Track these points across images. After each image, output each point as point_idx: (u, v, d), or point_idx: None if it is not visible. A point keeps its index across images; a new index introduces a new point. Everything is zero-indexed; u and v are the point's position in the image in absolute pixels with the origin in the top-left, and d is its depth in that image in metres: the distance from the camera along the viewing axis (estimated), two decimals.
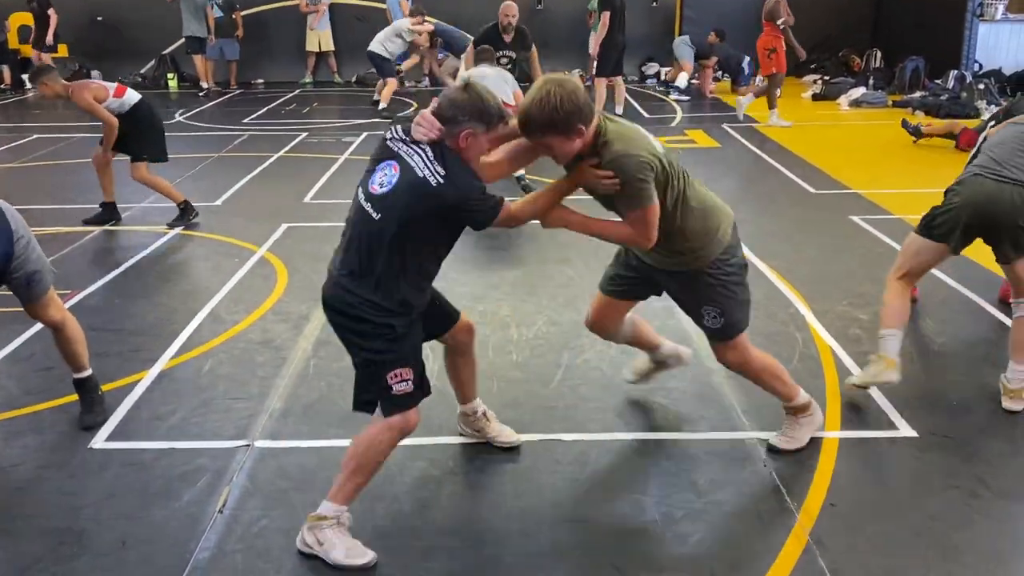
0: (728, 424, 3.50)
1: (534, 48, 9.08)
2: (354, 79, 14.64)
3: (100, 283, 5.19)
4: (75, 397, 3.60)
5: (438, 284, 2.87)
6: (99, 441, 3.41)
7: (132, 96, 6.11)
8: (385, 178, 2.57)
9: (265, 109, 12.10)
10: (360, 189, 2.65)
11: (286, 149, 9.24)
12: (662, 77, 14.17)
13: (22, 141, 9.88)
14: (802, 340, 4.26)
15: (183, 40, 13.76)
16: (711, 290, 3.00)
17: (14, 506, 3.02)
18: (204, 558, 2.71)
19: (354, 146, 9.27)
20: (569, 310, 4.67)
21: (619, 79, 10.77)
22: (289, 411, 3.63)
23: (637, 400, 3.69)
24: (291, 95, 13.49)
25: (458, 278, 5.29)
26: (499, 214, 2.60)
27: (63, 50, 14.38)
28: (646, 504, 2.98)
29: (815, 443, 3.31)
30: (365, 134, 9.89)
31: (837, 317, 4.54)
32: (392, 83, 11.35)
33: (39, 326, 4.26)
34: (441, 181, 2.50)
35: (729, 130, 10.15)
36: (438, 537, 2.82)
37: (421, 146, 2.57)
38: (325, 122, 11.01)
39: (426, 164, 2.53)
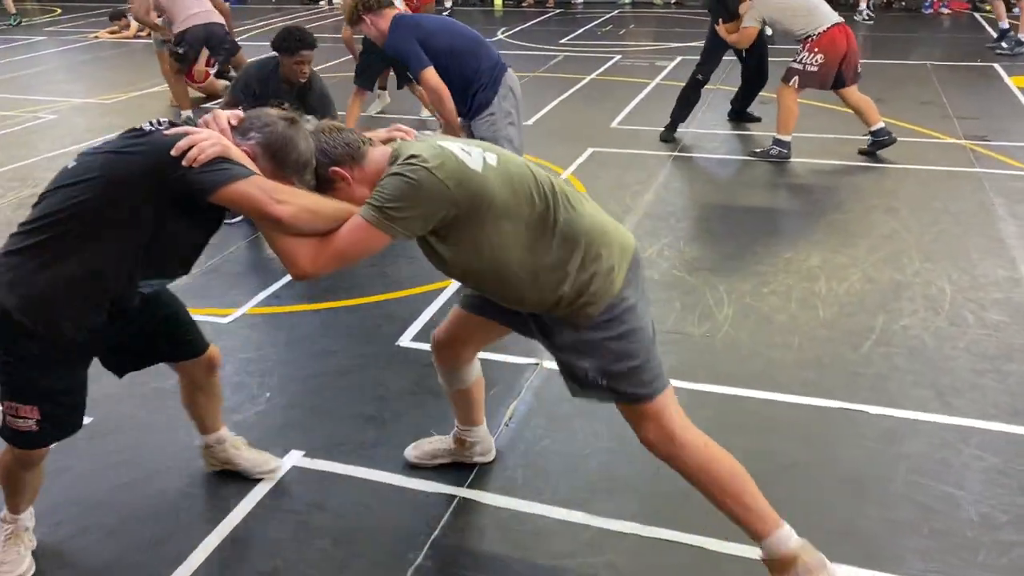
0: None
1: None
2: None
3: None
4: (384, 296, 3.88)
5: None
6: (405, 340, 3.66)
7: None
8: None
9: (582, 30, 12.12)
10: None
11: (598, 72, 9.20)
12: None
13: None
14: None
15: None
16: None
17: (333, 388, 3.35)
18: (488, 468, 2.81)
19: (667, 71, 8.99)
20: (889, 267, 4.19)
21: None
22: None
23: (963, 380, 3.23)
24: (609, 16, 13.37)
25: (763, 225, 4.98)
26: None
27: None
28: (961, 500, 2.61)
29: None
30: (680, 58, 9.56)
31: None
32: None
33: None
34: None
35: None
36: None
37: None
38: (640, 44, 10.80)
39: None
